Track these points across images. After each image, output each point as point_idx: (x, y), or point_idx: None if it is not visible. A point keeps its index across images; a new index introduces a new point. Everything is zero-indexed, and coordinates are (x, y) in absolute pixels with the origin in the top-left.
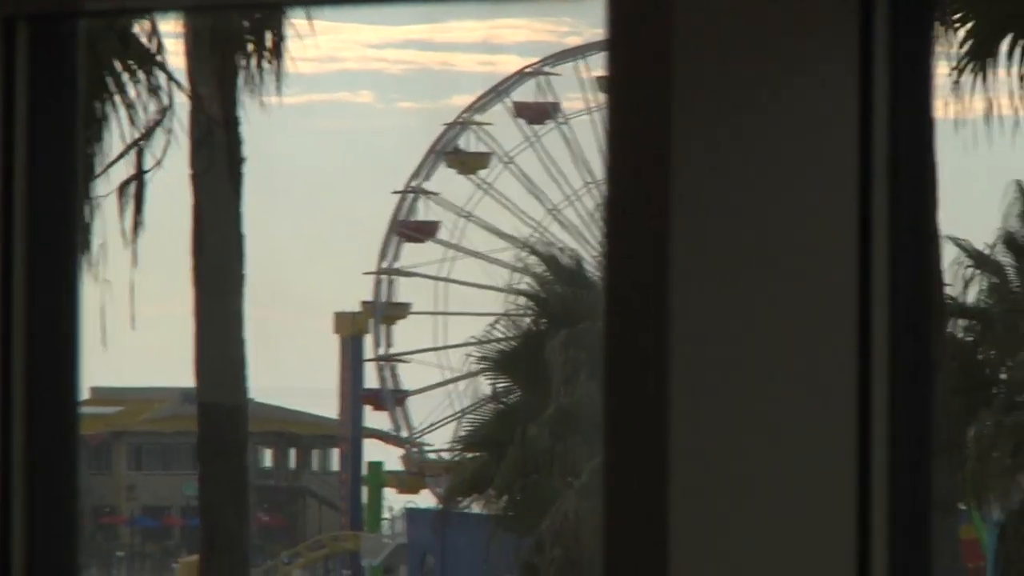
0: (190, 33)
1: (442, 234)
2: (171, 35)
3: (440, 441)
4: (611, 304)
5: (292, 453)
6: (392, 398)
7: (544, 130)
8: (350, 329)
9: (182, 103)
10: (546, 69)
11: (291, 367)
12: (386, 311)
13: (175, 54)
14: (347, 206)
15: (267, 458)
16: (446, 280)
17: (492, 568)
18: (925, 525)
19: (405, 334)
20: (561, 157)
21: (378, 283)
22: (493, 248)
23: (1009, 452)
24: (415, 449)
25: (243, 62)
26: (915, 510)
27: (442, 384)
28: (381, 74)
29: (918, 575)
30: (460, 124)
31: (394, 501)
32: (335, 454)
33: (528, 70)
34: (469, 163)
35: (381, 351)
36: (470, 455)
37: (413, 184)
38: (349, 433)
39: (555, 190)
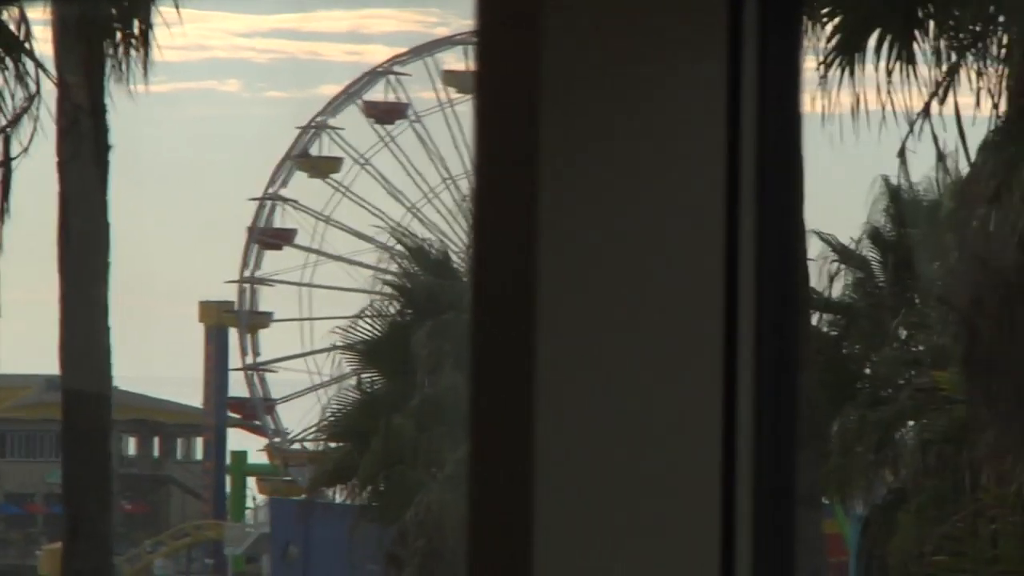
0: (57, 21)
1: (302, 239)
2: (39, 22)
3: (312, 445)
4: (478, 295)
5: (156, 441)
6: (262, 406)
7: (398, 129)
8: (215, 318)
9: (49, 91)
10: (396, 68)
11: (156, 355)
12: (250, 320)
13: (42, 41)
14: (213, 194)
15: (131, 446)
16: (309, 285)
17: (355, 558)
18: (790, 519)
19: (273, 340)
20: (417, 155)
21: (241, 292)
22: (355, 250)
23: (873, 447)
24: (278, 439)
25: (110, 50)
26: (780, 504)
27: (312, 389)
28: (248, 63)
29: (782, 569)
30: (313, 128)
31: (256, 490)
32: (199, 443)
33: (379, 69)
34: (321, 167)
35: (248, 360)
36: (334, 445)
37: (270, 191)
38: (213, 422)
39: (413, 188)
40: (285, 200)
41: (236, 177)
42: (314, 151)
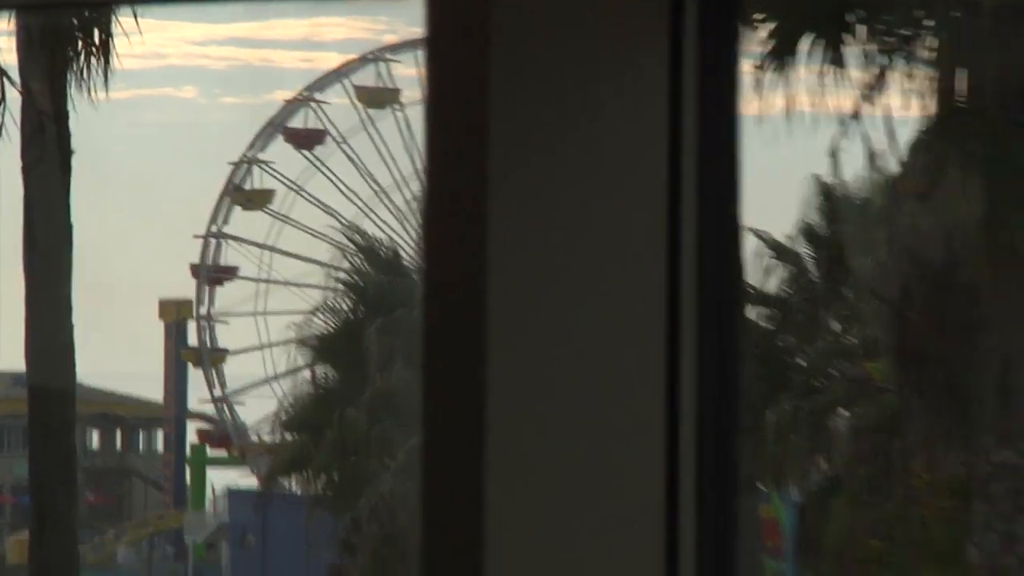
0: (22, 31)
1: (251, 268)
2: (2, 33)
3: (268, 437)
4: (429, 292)
5: (118, 435)
6: (236, 435)
7: (327, 152)
8: (174, 316)
9: (14, 98)
10: (316, 96)
11: (118, 352)
12: (211, 356)
13: (7, 51)
14: (171, 195)
15: (94, 439)
16: (263, 314)
17: (311, 546)
18: (732, 505)
19: (237, 367)
20: (348, 174)
21: (200, 330)
22: (302, 272)
23: (807, 435)
24: (230, 419)
25: (72, 59)
26: (722, 490)
27: (280, 415)
28: (205, 70)
29: (725, 552)
30: (245, 162)
31: (217, 481)
32: (160, 436)
33: (299, 98)
34: (255, 199)
35: (216, 392)
36: (290, 437)
37: (213, 228)
38: (173, 415)
39: (348, 205)
40: (227, 237)
41: (193, 178)
42: (247, 185)
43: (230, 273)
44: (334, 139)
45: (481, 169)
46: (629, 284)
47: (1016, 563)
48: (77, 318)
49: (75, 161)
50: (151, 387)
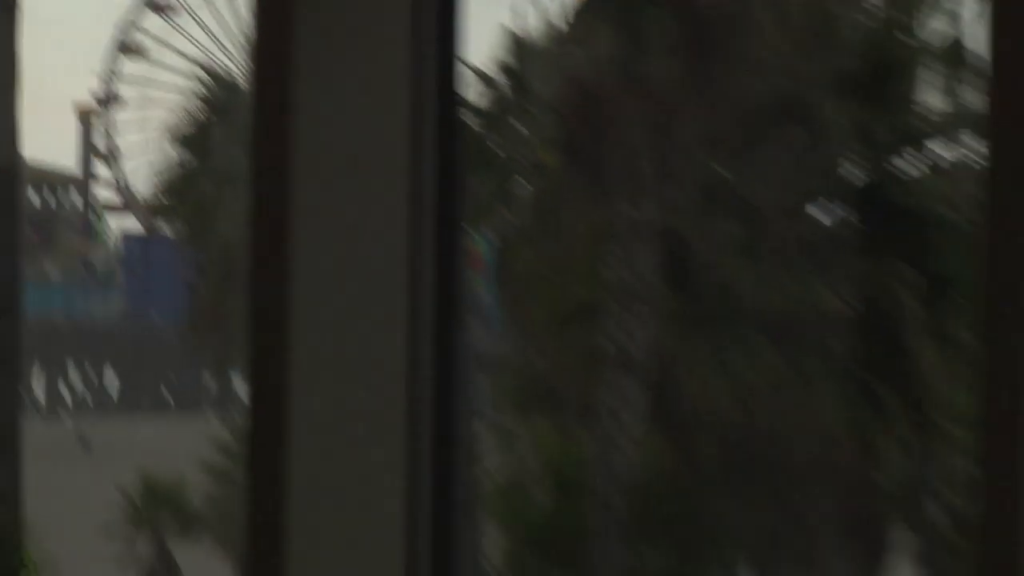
0: None
1: (135, 97)
2: None
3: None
4: (255, 102)
5: (48, 195)
6: (130, 199)
7: (181, 19)
8: (86, 116)
9: None
10: None
11: (49, 139)
12: (109, 155)
13: None
14: (86, 35)
15: (34, 198)
16: (147, 127)
17: (177, 270)
18: (457, 238)
19: (131, 161)
20: (196, 32)
21: (105, 138)
22: (169, 96)
23: (501, 198)
24: (125, 187)
25: None
26: (450, 231)
27: (159, 183)
28: None
29: (454, 276)
30: (127, 24)
31: (116, 227)
32: (75, 195)
33: None
34: (134, 52)
35: (118, 176)
36: (165, 200)
37: (109, 69)
38: (85, 182)
39: (198, 52)
40: (118, 75)
41: (100, 20)
42: (129, 40)
43: (122, 100)
44: (184, 8)
45: (287, 23)
46: (391, 98)
47: (633, 278)
48: (23, 117)
49: (19, 10)
50: (70, 162)
